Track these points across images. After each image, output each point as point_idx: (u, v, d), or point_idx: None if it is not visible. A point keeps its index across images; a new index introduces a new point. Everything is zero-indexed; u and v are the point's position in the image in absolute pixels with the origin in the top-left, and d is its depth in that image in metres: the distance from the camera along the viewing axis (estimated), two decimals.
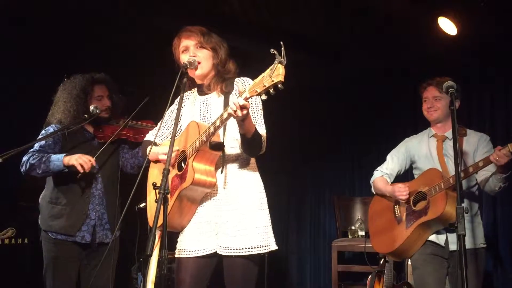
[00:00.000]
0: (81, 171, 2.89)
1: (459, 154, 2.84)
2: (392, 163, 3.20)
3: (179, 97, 2.26)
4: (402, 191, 2.98)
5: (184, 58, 2.36)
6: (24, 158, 2.99)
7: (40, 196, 3.13)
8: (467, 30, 3.97)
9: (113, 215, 3.11)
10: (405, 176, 3.31)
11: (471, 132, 3.05)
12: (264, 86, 1.89)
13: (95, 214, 3.06)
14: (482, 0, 3.57)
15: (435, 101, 3.01)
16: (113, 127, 3.18)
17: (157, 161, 2.44)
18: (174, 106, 2.52)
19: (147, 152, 2.38)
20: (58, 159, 2.92)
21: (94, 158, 2.93)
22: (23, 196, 3.91)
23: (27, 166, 2.96)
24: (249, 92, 1.96)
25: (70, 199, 3.02)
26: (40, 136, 3.07)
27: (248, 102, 2.01)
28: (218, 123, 2.14)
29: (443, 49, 4.28)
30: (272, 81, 1.85)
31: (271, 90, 1.89)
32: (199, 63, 2.35)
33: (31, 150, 3.01)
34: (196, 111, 2.42)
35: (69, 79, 3.17)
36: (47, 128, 3.11)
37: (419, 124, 3.13)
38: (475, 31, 4.01)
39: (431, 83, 3.03)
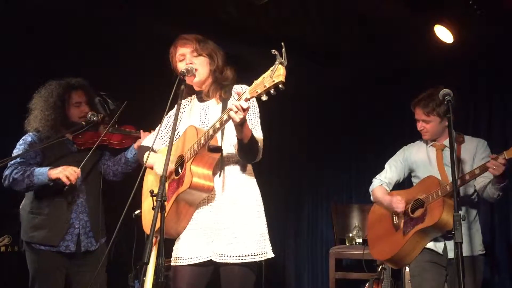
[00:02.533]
0: (67, 183, 2.82)
1: (457, 162, 2.85)
2: (390, 172, 3.19)
3: (177, 104, 2.26)
4: (399, 203, 2.99)
5: (181, 66, 2.36)
6: (6, 172, 2.91)
7: (20, 206, 3.06)
8: (463, 38, 3.99)
9: (97, 223, 3.07)
10: (403, 184, 3.31)
11: (468, 138, 3.04)
12: (265, 86, 1.89)
13: (79, 222, 3.01)
14: (478, 8, 3.59)
15: (424, 123, 2.99)
16: (93, 133, 3.11)
17: (152, 168, 2.44)
18: (174, 111, 2.52)
19: (145, 159, 2.37)
20: (42, 174, 2.85)
21: (79, 168, 2.87)
22: (19, 203, 3.88)
23: (10, 180, 2.89)
24: (249, 92, 1.97)
25: (52, 209, 2.96)
26: (18, 146, 2.98)
27: (249, 104, 2.01)
28: (217, 125, 2.14)
29: (440, 57, 4.31)
30: (273, 81, 1.86)
31: (272, 91, 1.89)
32: (196, 70, 2.35)
33: (12, 162, 2.92)
34: (195, 117, 2.43)
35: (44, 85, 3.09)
36: (24, 137, 3.03)
37: (416, 132, 3.12)
38: (471, 39, 4.04)
39: (417, 104, 2.98)
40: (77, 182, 2.92)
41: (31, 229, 2.95)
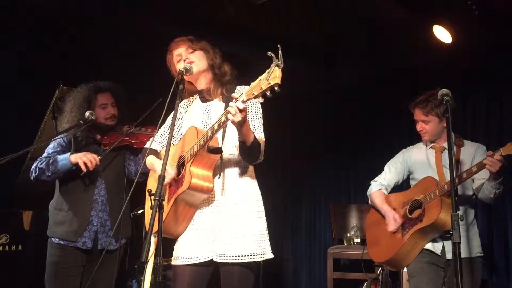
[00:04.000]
0: (84, 169, 2.92)
1: (455, 164, 2.85)
2: (389, 174, 3.19)
3: (176, 104, 2.26)
4: (393, 223, 2.98)
5: (180, 67, 2.36)
6: (33, 166, 3.03)
7: (50, 204, 3.16)
8: (461, 38, 4.00)
9: (118, 222, 3.09)
10: (401, 186, 3.31)
11: (468, 142, 3.04)
12: (261, 88, 1.90)
13: (98, 220, 3.06)
14: (476, 8, 3.59)
15: (423, 124, 2.99)
16: (118, 134, 3.19)
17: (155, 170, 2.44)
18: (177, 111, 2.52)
19: (144, 161, 2.39)
20: (65, 158, 2.96)
21: (99, 157, 2.97)
22: (16, 202, 3.88)
23: (37, 172, 3.00)
24: (246, 95, 1.98)
25: (73, 205, 3.04)
26: (50, 146, 3.11)
27: (247, 105, 2.02)
28: (216, 126, 2.14)
29: (439, 57, 4.32)
30: (269, 83, 1.87)
31: (268, 93, 1.90)
32: (193, 62, 2.36)
33: (40, 157, 3.05)
34: (197, 117, 2.43)
35: (65, 86, 3.20)
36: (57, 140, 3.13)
37: (415, 133, 3.13)
38: (470, 39, 4.05)
39: (417, 105, 2.99)
40: (94, 176, 3.02)
41: (54, 225, 3.05)
